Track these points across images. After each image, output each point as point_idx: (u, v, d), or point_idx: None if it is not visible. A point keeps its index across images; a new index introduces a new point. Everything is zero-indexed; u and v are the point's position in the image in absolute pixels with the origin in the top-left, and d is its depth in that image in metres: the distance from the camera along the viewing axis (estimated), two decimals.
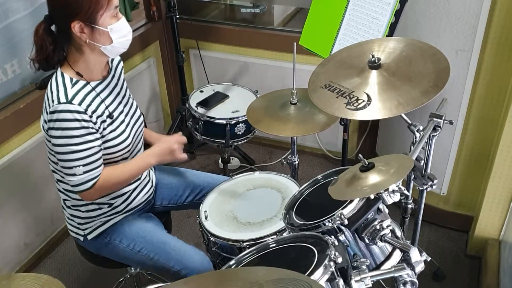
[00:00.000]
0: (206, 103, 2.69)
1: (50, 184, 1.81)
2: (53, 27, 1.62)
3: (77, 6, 1.52)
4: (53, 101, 1.58)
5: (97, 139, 1.63)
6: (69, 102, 1.57)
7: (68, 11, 1.54)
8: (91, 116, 1.60)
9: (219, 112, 2.62)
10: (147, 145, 2.07)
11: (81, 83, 1.64)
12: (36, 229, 2.59)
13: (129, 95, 1.86)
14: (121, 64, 1.86)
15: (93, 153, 1.63)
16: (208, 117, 2.57)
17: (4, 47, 2.26)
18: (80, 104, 1.58)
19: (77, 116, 1.57)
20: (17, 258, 2.53)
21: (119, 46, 1.64)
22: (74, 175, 1.63)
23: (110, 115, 1.69)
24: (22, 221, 2.50)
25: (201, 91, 2.82)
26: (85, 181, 1.64)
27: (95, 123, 1.62)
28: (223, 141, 2.58)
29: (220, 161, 3.13)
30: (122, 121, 1.75)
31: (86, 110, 1.59)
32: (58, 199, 1.86)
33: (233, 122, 2.54)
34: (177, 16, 2.97)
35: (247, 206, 1.95)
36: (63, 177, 1.72)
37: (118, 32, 1.61)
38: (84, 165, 1.62)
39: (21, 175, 2.44)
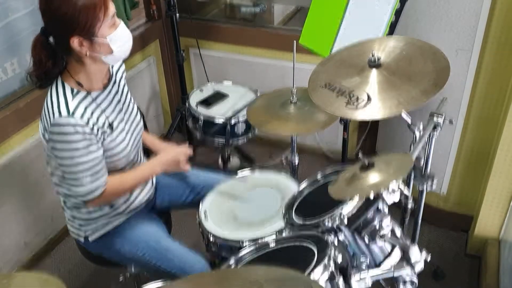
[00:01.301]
0: (206, 102, 2.69)
1: (50, 183, 1.81)
2: (50, 38, 1.57)
3: (73, 22, 1.48)
4: (53, 113, 1.55)
5: (99, 148, 1.63)
6: (71, 115, 1.55)
7: (65, 28, 1.50)
8: (92, 128, 1.59)
9: (219, 111, 2.62)
10: (148, 150, 2.07)
11: (82, 94, 1.61)
12: (36, 228, 2.60)
13: (130, 99, 1.84)
14: (123, 67, 1.84)
15: (98, 162, 1.62)
16: (208, 116, 2.57)
17: (4, 46, 2.26)
18: (81, 117, 1.56)
19: (79, 129, 1.55)
20: (17, 257, 2.53)
21: (120, 55, 1.62)
22: (81, 185, 1.62)
23: (110, 126, 1.67)
24: (22, 220, 2.50)
25: (201, 90, 2.82)
26: (93, 189, 1.64)
27: (96, 135, 1.61)
28: (223, 140, 2.58)
29: (220, 160, 3.13)
30: (122, 129, 1.73)
31: (87, 123, 1.57)
32: (58, 198, 1.86)
33: (233, 121, 2.54)
34: (177, 15, 2.96)
35: (247, 206, 1.95)
36: (61, 181, 1.72)
37: (118, 40, 1.57)
38: (91, 175, 1.62)
39: (21, 174, 2.44)
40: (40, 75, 1.59)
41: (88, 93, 1.63)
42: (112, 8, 1.54)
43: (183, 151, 1.88)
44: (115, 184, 1.70)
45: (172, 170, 1.90)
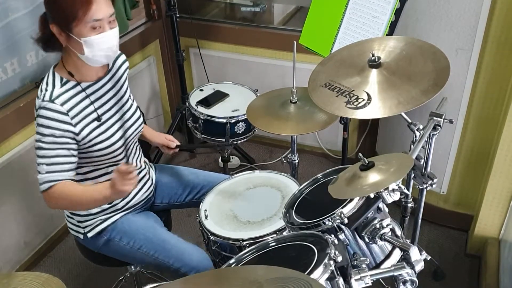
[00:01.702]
0: (206, 102, 2.69)
1: None
2: None
3: (54, 9, 1.53)
4: (39, 98, 1.60)
5: (67, 143, 1.60)
6: (52, 101, 1.57)
7: (48, 11, 1.56)
8: (72, 118, 1.59)
9: (219, 111, 2.62)
10: (147, 144, 2.07)
11: (71, 83, 1.63)
12: (36, 227, 2.60)
13: (129, 96, 1.85)
14: (126, 64, 1.84)
15: (58, 156, 1.60)
16: (208, 115, 2.57)
17: (4, 45, 2.26)
18: (62, 104, 1.58)
19: (55, 115, 1.57)
20: (17, 257, 2.53)
21: (95, 59, 1.59)
22: (38, 172, 1.63)
23: (98, 118, 1.67)
24: (22, 219, 2.50)
25: (201, 90, 2.82)
26: (44, 181, 1.62)
27: (74, 126, 1.60)
28: (223, 139, 2.58)
29: (220, 160, 3.13)
30: (113, 124, 1.73)
31: (68, 111, 1.58)
32: None
33: (233, 121, 2.54)
34: (177, 15, 2.96)
35: (247, 205, 1.96)
36: None
37: (94, 47, 1.54)
38: (47, 165, 1.60)
39: (21, 174, 2.44)
40: (42, 41, 1.63)
41: (78, 83, 1.64)
42: (97, 12, 1.50)
43: (117, 169, 1.55)
44: (64, 189, 1.61)
45: (116, 193, 1.58)
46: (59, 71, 1.64)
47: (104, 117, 1.70)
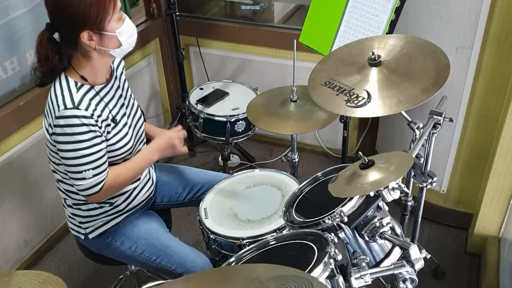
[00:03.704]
0: (206, 101, 2.69)
1: (51, 182, 1.81)
2: (55, 35, 1.58)
3: (84, 16, 1.50)
4: (58, 105, 1.56)
5: (103, 141, 1.63)
6: (76, 107, 1.55)
7: (76, 22, 1.51)
8: (97, 121, 1.59)
9: (219, 110, 2.62)
10: (148, 140, 2.07)
11: (86, 87, 1.62)
12: (36, 226, 2.60)
13: (130, 95, 1.85)
14: (122, 63, 1.85)
15: (101, 156, 1.62)
16: (208, 114, 2.57)
17: (4, 44, 2.26)
18: (86, 109, 1.57)
19: (85, 121, 1.56)
20: (18, 255, 2.53)
21: (127, 47, 1.64)
22: (83, 179, 1.62)
23: (113, 119, 1.68)
24: (23, 218, 2.50)
25: (201, 89, 2.82)
26: (94, 184, 1.64)
27: (100, 127, 1.61)
28: (223, 138, 2.58)
29: (220, 158, 3.13)
30: (125, 124, 1.74)
31: (92, 114, 1.58)
32: (58, 196, 1.86)
33: (233, 120, 2.54)
34: (177, 13, 2.96)
35: (247, 204, 1.96)
36: (64, 178, 1.72)
37: (125, 33, 1.60)
38: (93, 169, 1.61)
39: (21, 173, 2.44)
40: (45, 72, 1.60)
41: (92, 86, 1.64)
42: (119, 2, 1.57)
43: (177, 134, 1.85)
44: (110, 178, 1.68)
45: (169, 155, 1.87)
46: (70, 76, 1.62)
47: (118, 118, 1.71)
